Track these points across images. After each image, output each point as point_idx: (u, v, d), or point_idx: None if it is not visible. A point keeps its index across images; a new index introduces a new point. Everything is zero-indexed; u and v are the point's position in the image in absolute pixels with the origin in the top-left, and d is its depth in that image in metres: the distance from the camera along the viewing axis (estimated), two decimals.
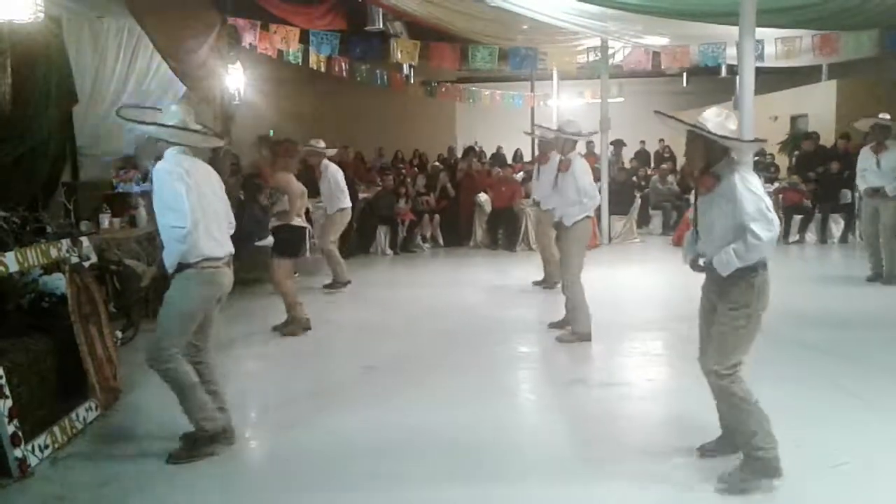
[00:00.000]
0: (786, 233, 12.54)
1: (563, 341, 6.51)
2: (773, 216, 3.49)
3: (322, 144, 9.20)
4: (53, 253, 4.85)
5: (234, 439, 4.32)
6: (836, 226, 12.51)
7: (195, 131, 4.16)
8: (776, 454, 3.59)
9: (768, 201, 3.54)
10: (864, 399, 4.85)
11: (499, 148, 18.84)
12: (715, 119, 3.62)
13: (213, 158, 11.46)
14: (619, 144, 16.98)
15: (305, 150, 8.89)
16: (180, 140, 4.11)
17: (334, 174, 9.17)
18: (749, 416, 3.62)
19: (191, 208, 3.95)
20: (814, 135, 14.09)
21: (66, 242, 5.03)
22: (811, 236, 12.56)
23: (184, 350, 4.23)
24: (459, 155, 17.37)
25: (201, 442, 4.18)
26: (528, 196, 12.64)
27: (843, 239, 12.42)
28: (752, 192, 3.50)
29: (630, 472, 3.90)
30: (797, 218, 12.49)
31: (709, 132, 3.57)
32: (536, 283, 9.21)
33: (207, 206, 4.11)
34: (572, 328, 6.58)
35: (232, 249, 4.31)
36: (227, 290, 4.30)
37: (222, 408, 4.35)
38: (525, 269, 10.84)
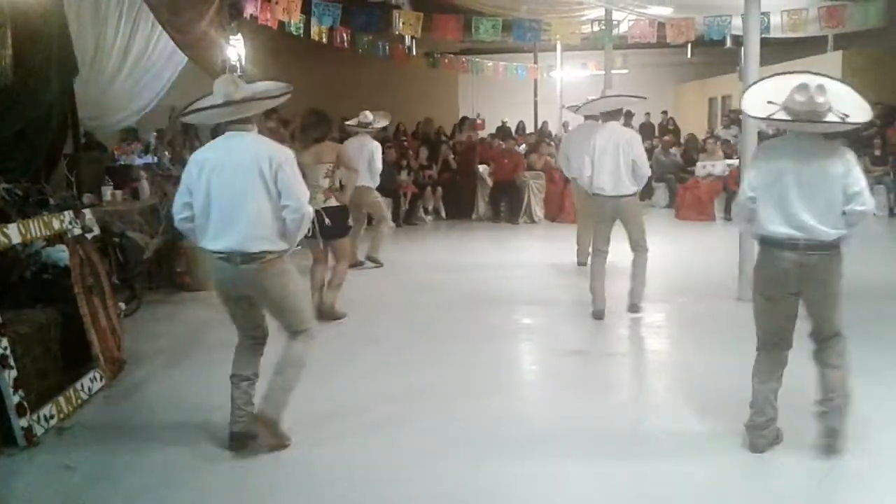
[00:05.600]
0: None
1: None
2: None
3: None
4: (56, 225, 4.85)
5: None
6: None
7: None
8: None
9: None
10: (866, 373, 4.85)
11: (503, 122, 18.73)
12: None
13: (216, 129, 11.40)
14: (628, 115, 16.87)
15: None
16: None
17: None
18: None
19: None
20: None
21: (68, 214, 5.03)
22: None
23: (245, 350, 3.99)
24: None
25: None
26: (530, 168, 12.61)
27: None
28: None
29: (631, 443, 3.93)
30: None
31: None
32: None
33: None
34: None
35: (226, 245, 3.71)
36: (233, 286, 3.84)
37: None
38: (527, 241, 10.89)
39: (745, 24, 6.85)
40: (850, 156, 3.50)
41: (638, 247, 6.31)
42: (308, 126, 6.28)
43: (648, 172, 6.35)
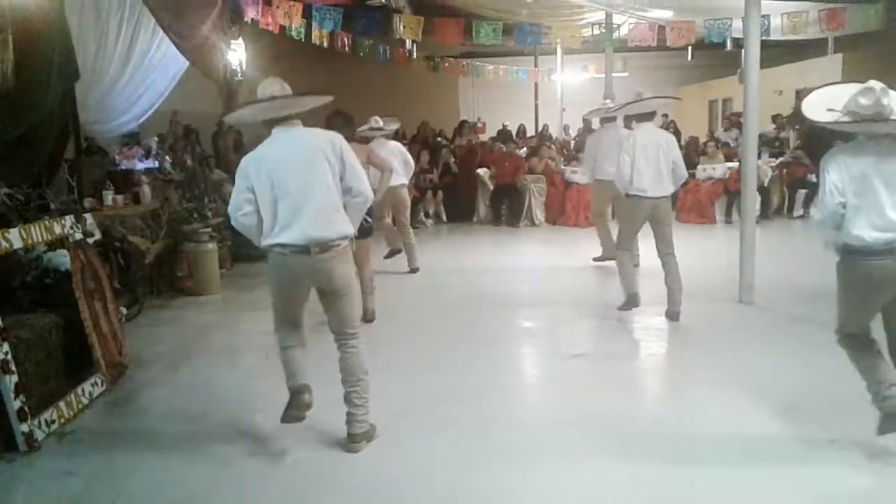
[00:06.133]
0: (790, 207, 12.51)
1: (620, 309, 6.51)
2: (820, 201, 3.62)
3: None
4: (57, 229, 4.86)
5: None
6: None
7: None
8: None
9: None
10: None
11: (504, 125, 18.75)
12: None
13: (217, 134, 11.37)
14: (628, 119, 16.87)
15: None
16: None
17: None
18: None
19: None
20: None
21: (69, 219, 5.04)
22: (816, 211, 12.53)
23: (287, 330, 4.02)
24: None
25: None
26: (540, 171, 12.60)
27: None
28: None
29: (633, 446, 3.93)
30: (801, 192, 12.45)
31: None
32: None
33: None
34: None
35: (300, 236, 3.74)
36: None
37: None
38: (528, 244, 10.88)
39: (746, 27, 6.85)
40: None
41: (669, 251, 6.26)
42: (337, 127, 6.27)
43: (686, 174, 6.38)
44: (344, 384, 3.98)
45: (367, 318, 6.46)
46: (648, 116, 6.35)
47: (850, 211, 3.49)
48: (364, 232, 6.21)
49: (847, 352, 3.76)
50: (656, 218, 6.21)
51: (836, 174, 3.51)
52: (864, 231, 3.45)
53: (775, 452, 3.76)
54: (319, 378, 4.00)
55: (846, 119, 3.46)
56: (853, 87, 3.48)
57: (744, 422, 4.08)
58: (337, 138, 3.85)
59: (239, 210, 3.85)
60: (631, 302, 6.42)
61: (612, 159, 6.55)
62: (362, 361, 4.00)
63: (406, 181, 8.63)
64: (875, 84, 3.42)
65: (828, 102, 3.55)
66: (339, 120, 6.22)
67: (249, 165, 3.81)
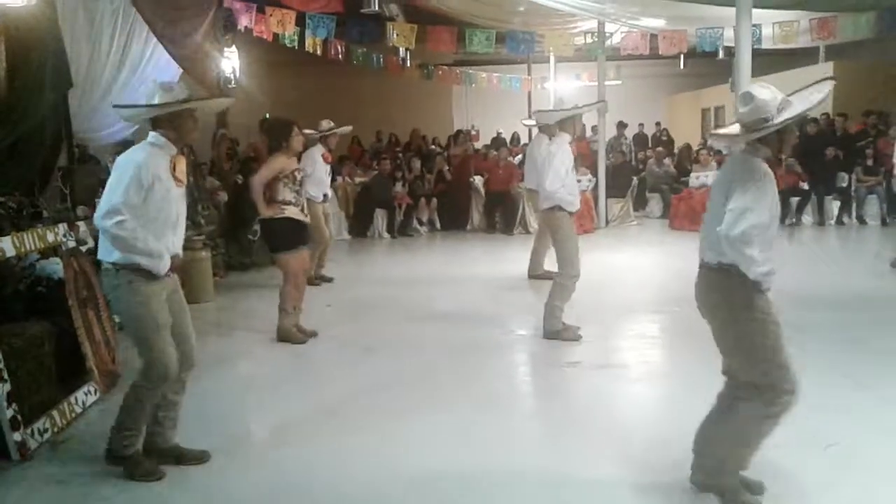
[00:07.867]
0: (783, 215, 12.57)
1: None
2: None
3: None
4: (50, 237, 4.84)
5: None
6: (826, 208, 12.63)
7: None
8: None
9: None
10: (855, 379, 4.87)
11: (499, 133, 18.81)
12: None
13: (211, 142, 11.34)
14: (621, 126, 16.96)
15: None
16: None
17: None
18: None
19: None
20: (821, 117, 13.97)
21: (62, 227, 5.03)
22: (808, 218, 12.61)
23: None
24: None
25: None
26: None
27: (840, 221, 12.48)
28: None
29: (625, 457, 3.92)
30: (794, 200, 12.51)
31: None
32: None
33: None
34: None
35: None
36: None
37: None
38: (522, 252, 10.86)
39: (737, 36, 6.91)
40: (747, 173, 3.13)
41: (558, 265, 6.08)
42: (266, 135, 6.30)
43: (551, 188, 5.88)
44: None
45: (280, 337, 6.10)
46: (565, 127, 6.06)
47: None
48: (284, 246, 5.98)
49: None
50: (548, 229, 6.23)
51: None
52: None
53: (775, 459, 3.76)
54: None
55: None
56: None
57: None
58: (129, 154, 3.64)
59: None
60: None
61: None
62: (136, 395, 3.79)
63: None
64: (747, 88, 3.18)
65: None
66: (275, 125, 6.23)
67: None
